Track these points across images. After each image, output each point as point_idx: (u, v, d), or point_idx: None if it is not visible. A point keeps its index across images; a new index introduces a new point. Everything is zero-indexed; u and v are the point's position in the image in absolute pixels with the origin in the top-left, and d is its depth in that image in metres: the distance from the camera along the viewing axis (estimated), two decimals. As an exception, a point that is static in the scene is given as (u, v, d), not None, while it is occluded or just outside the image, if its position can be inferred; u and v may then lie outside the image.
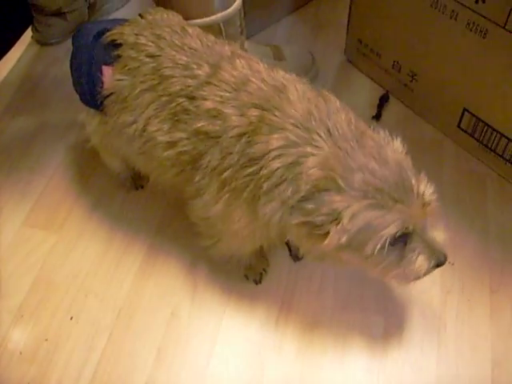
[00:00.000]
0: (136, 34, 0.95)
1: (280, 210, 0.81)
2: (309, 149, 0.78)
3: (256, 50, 1.41)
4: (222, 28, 1.21)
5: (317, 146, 0.78)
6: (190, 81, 0.89)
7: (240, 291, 1.12)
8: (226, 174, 0.84)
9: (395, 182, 0.78)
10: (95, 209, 1.26)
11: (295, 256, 1.15)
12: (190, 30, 0.96)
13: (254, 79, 0.87)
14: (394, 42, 1.38)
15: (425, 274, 0.87)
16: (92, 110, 1.05)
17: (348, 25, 1.49)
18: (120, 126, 0.98)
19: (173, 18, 1.01)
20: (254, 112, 0.83)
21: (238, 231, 0.92)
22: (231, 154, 0.83)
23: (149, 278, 1.15)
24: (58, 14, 1.59)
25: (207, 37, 0.97)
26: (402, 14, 1.30)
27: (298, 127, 0.80)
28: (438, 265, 0.87)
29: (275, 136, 0.80)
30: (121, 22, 1.02)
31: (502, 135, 1.24)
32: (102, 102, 0.99)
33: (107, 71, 0.97)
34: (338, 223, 0.76)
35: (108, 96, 0.98)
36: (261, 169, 0.80)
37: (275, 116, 0.82)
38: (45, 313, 1.11)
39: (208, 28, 1.19)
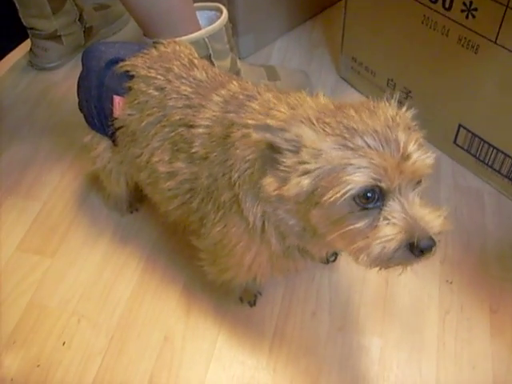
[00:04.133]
0: (148, 67, 0.97)
1: (255, 197, 0.78)
2: None
3: (250, 71, 1.41)
4: (208, 44, 1.21)
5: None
6: (188, 110, 0.90)
7: (234, 314, 1.10)
8: (215, 192, 0.84)
9: (375, 129, 0.69)
10: (89, 233, 1.25)
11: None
12: (196, 62, 0.98)
13: (241, 96, 0.87)
14: (388, 60, 1.37)
15: (394, 254, 0.69)
16: (98, 135, 1.07)
17: (342, 43, 1.49)
18: (130, 157, 1.00)
19: (184, 49, 1.02)
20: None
21: (243, 257, 0.89)
22: (215, 167, 0.84)
23: (142, 302, 1.13)
24: (54, 37, 1.61)
25: (213, 69, 0.98)
26: (395, 31, 1.30)
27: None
28: (417, 248, 0.68)
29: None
30: (132, 47, 1.04)
31: (499, 150, 1.22)
32: (113, 133, 1.02)
33: (118, 102, 0.99)
34: (298, 153, 0.69)
35: (119, 128, 1.00)
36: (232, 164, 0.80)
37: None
38: (37, 338, 1.09)
39: (195, 44, 1.20)
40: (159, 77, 0.95)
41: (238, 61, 1.37)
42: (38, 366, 1.06)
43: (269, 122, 0.75)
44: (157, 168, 0.93)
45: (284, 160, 0.71)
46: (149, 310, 1.12)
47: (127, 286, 1.16)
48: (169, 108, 0.91)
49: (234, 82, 0.92)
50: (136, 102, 0.96)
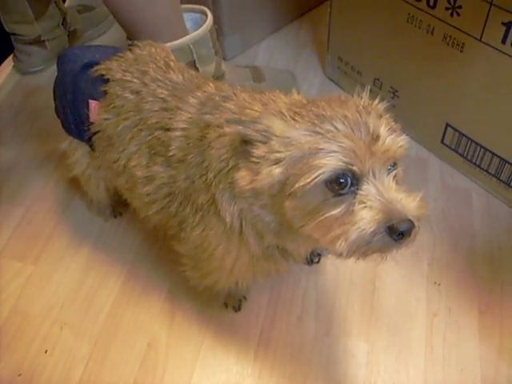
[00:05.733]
0: (123, 71, 0.95)
1: (231, 196, 0.77)
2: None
3: (235, 72, 1.40)
4: (193, 50, 1.19)
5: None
6: (165, 113, 0.88)
7: (219, 320, 1.09)
8: (193, 194, 0.83)
9: (345, 115, 0.68)
10: (72, 239, 1.23)
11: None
12: (173, 65, 0.96)
13: (217, 97, 0.86)
14: (374, 59, 1.36)
15: (373, 239, 0.66)
16: (75, 140, 1.05)
17: (328, 43, 1.47)
18: (107, 162, 0.98)
19: (160, 52, 1.00)
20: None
21: (224, 260, 0.87)
22: (192, 169, 0.82)
23: (126, 309, 1.11)
24: (38, 42, 1.58)
25: (189, 71, 0.97)
26: (380, 30, 1.29)
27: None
28: (396, 231, 0.65)
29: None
30: (108, 50, 1.02)
31: (486, 150, 1.21)
32: (90, 138, 1.00)
33: (94, 106, 0.97)
34: (268, 143, 0.68)
35: (95, 133, 0.98)
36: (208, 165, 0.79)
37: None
38: (19, 346, 1.07)
39: (179, 50, 1.18)
40: (135, 80, 0.93)
41: (223, 63, 1.35)
42: (20, 374, 1.04)
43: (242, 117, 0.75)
44: (134, 173, 0.91)
45: (255, 151, 0.70)
46: (132, 317, 1.10)
47: (110, 292, 1.14)
48: (145, 111, 0.90)
49: (211, 84, 0.90)
50: (112, 106, 0.94)
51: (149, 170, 0.89)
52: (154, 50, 0.99)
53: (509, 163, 1.18)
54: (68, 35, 1.66)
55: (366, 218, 0.66)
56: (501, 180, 1.22)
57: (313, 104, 0.72)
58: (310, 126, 0.68)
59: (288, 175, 0.68)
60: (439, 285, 1.11)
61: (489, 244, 1.18)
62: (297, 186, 0.67)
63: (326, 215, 0.68)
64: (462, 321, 1.06)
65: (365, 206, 0.67)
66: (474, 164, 1.26)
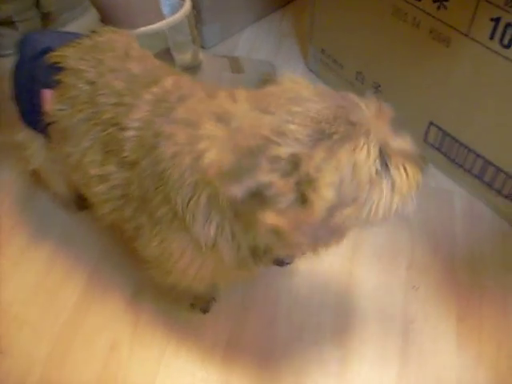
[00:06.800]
0: (79, 58, 0.88)
1: (204, 217, 0.70)
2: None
3: (213, 62, 1.34)
4: (168, 36, 1.13)
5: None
6: (120, 108, 0.81)
7: (186, 321, 1.03)
8: (149, 205, 0.76)
9: (337, 104, 0.66)
10: (34, 235, 1.16)
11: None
12: (133, 54, 0.89)
13: (172, 97, 0.78)
14: (357, 53, 1.31)
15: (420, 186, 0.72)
16: (31, 132, 0.98)
17: (311, 35, 1.42)
18: (63, 155, 0.91)
19: (120, 38, 0.92)
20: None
21: (186, 270, 0.81)
22: (146, 178, 0.75)
23: (88, 309, 1.06)
24: (8, 23, 1.51)
25: (152, 61, 0.90)
26: (364, 23, 1.23)
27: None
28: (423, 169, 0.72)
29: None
30: (70, 36, 0.94)
31: (470, 150, 1.16)
32: (44, 129, 0.92)
33: (47, 95, 0.89)
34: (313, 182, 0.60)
35: (50, 124, 0.90)
36: (167, 183, 0.71)
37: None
38: (-26, 347, 1.02)
39: (154, 36, 1.13)
40: (90, 69, 0.86)
41: (201, 52, 1.29)
42: (-27, 376, 0.98)
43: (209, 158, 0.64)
44: (88, 170, 0.84)
45: (273, 191, 0.60)
46: (95, 317, 1.05)
47: (73, 290, 1.08)
48: (100, 105, 0.82)
49: (169, 79, 0.82)
50: (66, 96, 0.87)
51: (103, 169, 0.82)
52: (114, 36, 0.92)
53: (493, 165, 1.14)
54: (42, 18, 1.59)
55: (413, 173, 0.71)
56: (484, 182, 1.18)
57: (291, 115, 0.64)
58: (337, 136, 0.63)
59: (342, 193, 0.62)
60: (417, 289, 1.07)
61: (470, 248, 1.13)
62: (357, 201, 0.64)
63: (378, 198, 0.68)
64: (439, 328, 1.02)
65: (402, 166, 0.70)
66: (458, 164, 1.21)
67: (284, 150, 0.61)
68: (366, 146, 0.64)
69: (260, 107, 0.66)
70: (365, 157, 0.64)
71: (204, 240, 0.72)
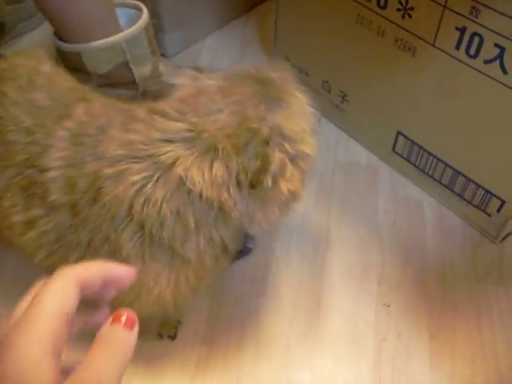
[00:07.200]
0: None
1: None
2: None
3: (174, 74, 1.29)
4: (126, 49, 1.09)
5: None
6: (35, 148, 0.73)
7: (151, 350, 0.98)
8: (107, 248, 0.70)
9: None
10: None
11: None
12: (38, 82, 0.80)
13: (91, 129, 0.72)
14: (322, 61, 1.27)
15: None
16: None
17: (274, 42, 1.38)
18: None
19: (25, 63, 0.84)
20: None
21: (166, 292, 0.76)
22: (98, 224, 0.69)
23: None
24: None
25: (58, 86, 0.81)
26: (328, 31, 1.20)
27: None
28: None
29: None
30: None
31: (439, 160, 1.14)
32: None
33: None
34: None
35: None
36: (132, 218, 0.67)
37: None
38: None
39: (111, 49, 1.08)
40: None
41: (162, 63, 1.25)
42: None
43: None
44: (10, 216, 0.75)
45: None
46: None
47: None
48: (10, 143, 0.75)
49: (80, 108, 0.75)
50: None
51: (27, 214, 0.74)
52: (19, 61, 0.84)
53: (462, 175, 1.12)
54: (-5, 29, 1.53)
55: None
56: (454, 192, 1.16)
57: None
58: None
59: None
60: (388, 306, 1.04)
61: (441, 260, 1.11)
62: None
63: None
64: (411, 346, 1.00)
65: None
66: (427, 174, 1.19)
67: None
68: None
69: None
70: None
71: (195, 255, 0.70)
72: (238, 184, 0.66)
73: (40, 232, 0.73)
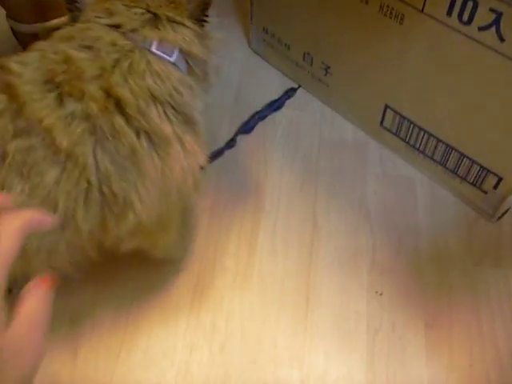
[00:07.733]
0: None
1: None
2: None
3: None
4: None
5: None
6: None
7: (130, 351, 0.92)
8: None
9: None
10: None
11: None
12: None
13: None
14: (303, 32, 1.18)
15: None
16: None
17: (251, 12, 1.28)
18: None
19: None
20: None
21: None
22: None
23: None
24: None
25: None
26: (309, -2, 1.11)
27: None
28: None
29: None
30: None
31: (431, 134, 1.07)
32: None
33: None
34: None
35: None
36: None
37: None
38: None
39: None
40: None
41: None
42: None
43: None
44: None
45: None
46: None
47: None
48: None
49: None
50: None
51: None
52: None
53: (455, 150, 1.04)
54: None
55: None
56: (447, 168, 1.09)
57: None
58: None
59: None
60: (381, 294, 0.98)
61: (434, 242, 1.05)
62: None
63: None
64: (407, 337, 0.94)
65: None
66: (418, 150, 1.12)
67: None
68: None
69: None
70: None
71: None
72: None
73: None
